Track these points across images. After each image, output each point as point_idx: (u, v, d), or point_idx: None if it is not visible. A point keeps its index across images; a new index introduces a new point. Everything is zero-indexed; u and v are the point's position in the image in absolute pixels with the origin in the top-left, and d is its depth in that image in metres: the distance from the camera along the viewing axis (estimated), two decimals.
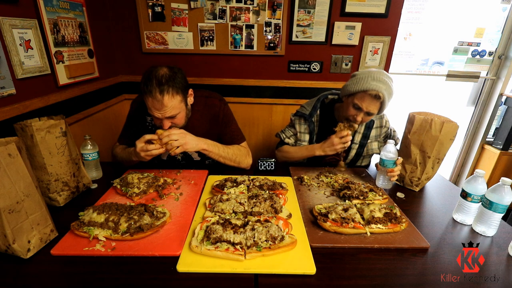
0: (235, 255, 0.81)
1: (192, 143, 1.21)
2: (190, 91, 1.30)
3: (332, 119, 1.48)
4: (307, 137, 1.51)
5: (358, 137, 1.49)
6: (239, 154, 1.39)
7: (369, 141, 1.50)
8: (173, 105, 1.17)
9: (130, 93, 2.26)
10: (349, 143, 1.33)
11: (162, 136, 1.16)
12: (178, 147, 1.17)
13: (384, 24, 2.08)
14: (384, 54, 2.15)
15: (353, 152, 1.52)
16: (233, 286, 0.75)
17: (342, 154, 1.38)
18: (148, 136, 1.16)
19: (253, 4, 2.02)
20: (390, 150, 1.21)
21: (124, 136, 1.46)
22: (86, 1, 1.74)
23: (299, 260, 0.82)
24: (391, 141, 1.23)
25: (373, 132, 1.49)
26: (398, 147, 1.39)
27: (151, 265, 0.81)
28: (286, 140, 1.56)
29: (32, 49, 1.35)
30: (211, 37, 2.11)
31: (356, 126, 1.34)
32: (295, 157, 1.50)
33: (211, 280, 0.76)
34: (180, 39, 2.11)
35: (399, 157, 1.23)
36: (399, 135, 1.49)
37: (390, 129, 1.54)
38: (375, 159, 1.61)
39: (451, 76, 2.47)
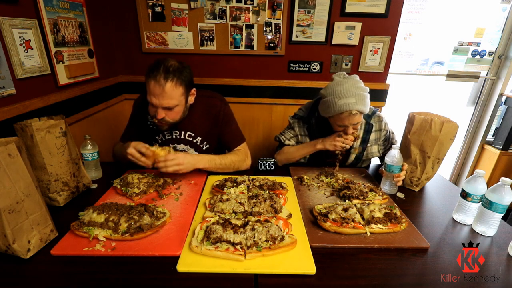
0: (235, 255, 0.81)
1: (187, 166, 1.22)
2: (193, 91, 1.31)
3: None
4: (307, 139, 1.50)
5: (357, 142, 1.47)
6: (237, 160, 1.39)
7: (368, 144, 1.48)
8: (173, 94, 1.17)
9: (130, 93, 2.26)
10: (349, 146, 1.34)
11: (159, 159, 1.16)
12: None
13: (384, 24, 2.08)
14: (384, 54, 2.15)
15: (352, 157, 1.50)
16: (233, 286, 0.75)
17: (339, 156, 1.37)
18: (143, 149, 1.16)
19: (253, 4, 2.02)
20: (395, 155, 1.21)
21: (126, 135, 1.46)
22: (86, 1, 1.74)
23: (299, 260, 0.82)
24: (396, 147, 1.23)
25: (373, 136, 1.48)
26: None
27: (151, 265, 0.81)
28: (287, 142, 1.52)
29: (32, 49, 1.35)
30: (211, 37, 2.11)
31: (358, 133, 1.36)
32: (296, 156, 1.47)
33: (211, 280, 0.76)
34: (180, 39, 2.11)
35: (405, 163, 1.23)
36: (399, 135, 1.49)
37: (389, 131, 1.52)
38: (374, 160, 1.61)
39: (451, 76, 2.47)
